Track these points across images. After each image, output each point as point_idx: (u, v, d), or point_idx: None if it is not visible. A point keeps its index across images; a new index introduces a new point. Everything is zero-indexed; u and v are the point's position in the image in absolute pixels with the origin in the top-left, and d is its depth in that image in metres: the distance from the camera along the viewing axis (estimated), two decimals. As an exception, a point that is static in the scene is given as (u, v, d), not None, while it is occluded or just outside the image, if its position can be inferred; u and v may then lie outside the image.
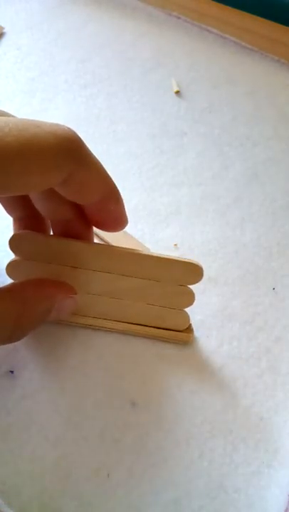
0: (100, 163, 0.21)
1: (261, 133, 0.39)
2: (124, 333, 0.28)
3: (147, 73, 0.42)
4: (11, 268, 0.25)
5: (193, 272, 0.25)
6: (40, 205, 0.24)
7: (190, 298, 0.26)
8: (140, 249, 0.25)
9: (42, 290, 0.24)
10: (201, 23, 0.45)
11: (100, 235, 0.31)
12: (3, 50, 0.42)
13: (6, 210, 0.26)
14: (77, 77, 0.41)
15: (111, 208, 0.23)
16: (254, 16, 0.46)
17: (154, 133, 0.38)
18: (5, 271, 0.26)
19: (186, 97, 0.41)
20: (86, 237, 0.25)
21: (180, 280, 0.25)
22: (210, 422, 0.26)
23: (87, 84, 0.40)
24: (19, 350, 0.27)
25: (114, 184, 0.22)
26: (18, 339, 0.23)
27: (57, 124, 0.19)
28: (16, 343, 0.27)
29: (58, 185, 0.20)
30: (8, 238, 0.24)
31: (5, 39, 0.42)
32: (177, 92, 0.41)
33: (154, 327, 0.28)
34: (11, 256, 0.25)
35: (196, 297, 0.26)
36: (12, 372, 0.26)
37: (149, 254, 0.25)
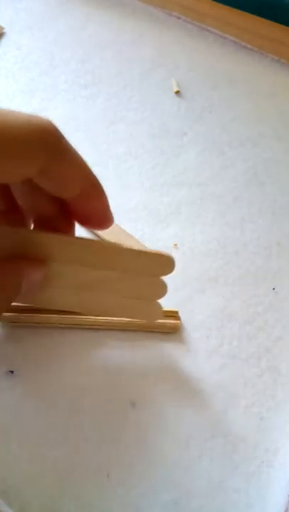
0: (80, 156, 0.21)
1: (261, 133, 0.39)
2: (112, 329, 0.28)
3: (147, 73, 0.42)
4: None
5: (165, 263, 0.25)
6: (21, 199, 0.23)
7: (162, 289, 0.26)
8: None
9: (8, 264, 0.23)
10: (201, 23, 0.45)
11: (100, 236, 0.31)
12: (3, 50, 0.42)
13: None
14: (77, 77, 0.41)
15: (94, 203, 0.23)
16: (254, 16, 0.46)
17: (154, 133, 0.38)
18: None
19: (186, 97, 0.41)
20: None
21: (152, 272, 0.25)
22: (210, 422, 0.26)
23: (87, 84, 0.40)
24: (19, 350, 0.27)
25: (95, 179, 0.22)
26: None
27: (36, 115, 0.19)
28: (15, 343, 0.27)
29: (35, 176, 0.20)
30: None
31: (5, 39, 0.42)
32: (177, 92, 0.41)
33: (129, 319, 0.27)
34: None
35: (196, 297, 0.26)
36: (12, 372, 0.26)
37: (120, 246, 0.24)
